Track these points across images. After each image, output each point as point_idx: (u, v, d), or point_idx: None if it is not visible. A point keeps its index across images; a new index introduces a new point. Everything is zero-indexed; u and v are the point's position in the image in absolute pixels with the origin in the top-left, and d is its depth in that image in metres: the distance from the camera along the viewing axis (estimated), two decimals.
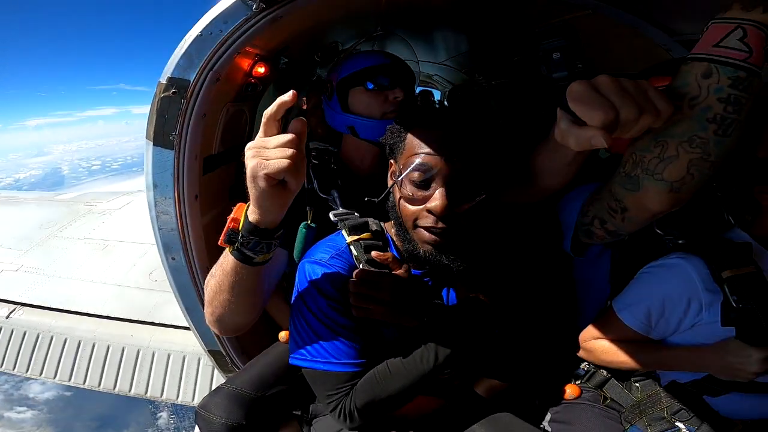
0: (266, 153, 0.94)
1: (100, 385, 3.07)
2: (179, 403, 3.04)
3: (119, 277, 3.84)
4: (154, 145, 1.29)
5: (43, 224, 5.00)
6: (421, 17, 2.59)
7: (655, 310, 1.30)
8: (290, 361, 1.29)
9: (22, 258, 4.23)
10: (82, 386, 3.11)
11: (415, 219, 1.16)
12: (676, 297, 1.28)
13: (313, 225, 1.47)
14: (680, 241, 1.37)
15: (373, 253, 1.23)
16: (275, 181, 0.95)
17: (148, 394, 3.03)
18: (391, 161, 1.26)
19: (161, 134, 1.28)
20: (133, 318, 3.32)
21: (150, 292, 3.61)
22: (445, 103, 5.70)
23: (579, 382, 1.57)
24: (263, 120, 0.94)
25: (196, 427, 2.33)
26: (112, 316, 3.35)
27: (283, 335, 1.78)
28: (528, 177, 1.32)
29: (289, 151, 0.93)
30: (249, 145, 0.96)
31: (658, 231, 1.39)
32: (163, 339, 3.15)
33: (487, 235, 1.34)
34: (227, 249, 1.14)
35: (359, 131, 1.64)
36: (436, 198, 1.10)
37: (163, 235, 1.45)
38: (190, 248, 1.49)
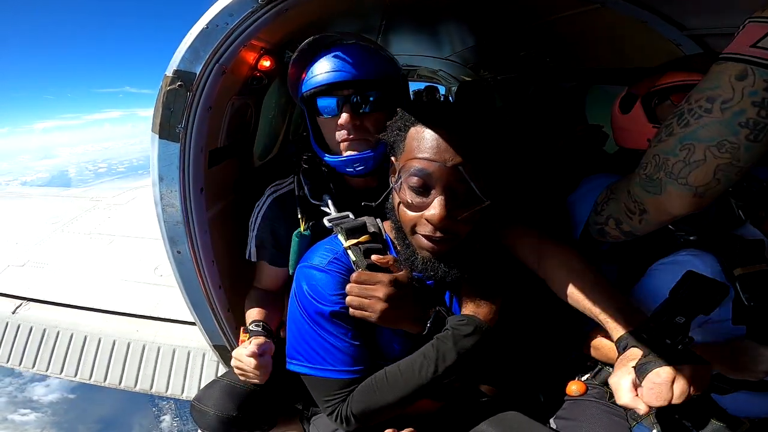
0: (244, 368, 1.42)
1: (105, 380, 3.07)
2: (184, 398, 3.04)
3: (125, 272, 3.86)
4: (160, 138, 1.28)
5: (49, 219, 5.04)
6: (426, 11, 2.57)
7: None
8: (287, 366, 1.29)
9: (28, 253, 4.26)
10: (87, 381, 3.12)
11: (414, 225, 1.11)
12: None
13: (306, 233, 1.45)
14: (691, 238, 1.35)
15: (373, 257, 1.21)
16: None
17: (153, 390, 3.05)
18: (392, 159, 1.21)
19: (167, 127, 1.28)
20: (138, 313, 3.34)
21: (155, 286, 3.64)
22: (450, 99, 5.68)
23: (585, 378, 1.56)
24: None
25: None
26: (118, 311, 3.37)
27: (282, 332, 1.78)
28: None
29: (260, 372, 1.40)
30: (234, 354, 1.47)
31: (670, 227, 1.37)
32: (168, 334, 3.17)
33: (490, 240, 1.31)
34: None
35: (336, 168, 1.49)
36: (435, 207, 1.05)
37: (168, 228, 1.44)
38: (195, 241, 1.49)
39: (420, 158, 1.06)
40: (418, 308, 1.21)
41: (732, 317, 1.22)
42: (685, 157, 0.94)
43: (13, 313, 3.37)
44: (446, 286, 1.28)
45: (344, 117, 1.35)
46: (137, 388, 3.07)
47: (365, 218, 1.33)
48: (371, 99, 1.34)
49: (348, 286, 1.17)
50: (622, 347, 1.01)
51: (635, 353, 0.96)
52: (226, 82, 1.35)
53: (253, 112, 1.84)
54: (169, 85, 1.23)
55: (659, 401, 0.89)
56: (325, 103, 1.37)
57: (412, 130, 1.10)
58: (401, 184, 1.10)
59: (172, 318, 3.27)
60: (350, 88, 1.33)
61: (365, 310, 1.16)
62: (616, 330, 1.05)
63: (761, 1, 0.88)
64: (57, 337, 3.22)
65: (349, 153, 1.40)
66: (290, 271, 1.50)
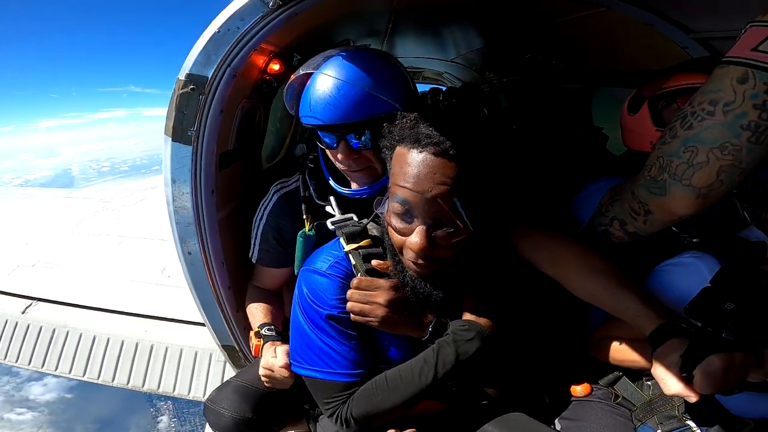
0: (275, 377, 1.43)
1: (113, 380, 3.12)
2: (191, 398, 3.08)
3: (133, 273, 3.91)
4: (172, 140, 1.32)
5: (59, 220, 5.11)
6: (431, 14, 2.59)
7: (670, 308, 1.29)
8: (291, 368, 1.33)
9: (38, 253, 4.32)
10: (96, 381, 3.17)
11: (400, 248, 1.10)
12: (690, 296, 1.27)
13: (311, 233, 1.47)
14: (695, 240, 1.36)
15: (373, 262, 1.22)
16: None
17: (161, 390, 3.09)
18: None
19: (180, 130, 1.31)
20: (146, 313, 3.38)
21: (164, 287, 3.68)
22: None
23: (590, 379, 1.57)
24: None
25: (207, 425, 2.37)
26: (127, 311, 3.41)
27: None
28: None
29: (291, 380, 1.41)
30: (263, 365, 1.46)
31: (674, 228, 1.37)
32: (175, 334, 3.21)
33: (492, 245, 1.29)
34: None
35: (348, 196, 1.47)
36: (416, 235, 1.02)
37: (180, 230, 1.47)
38: (206, 243, 1.51)
39: (401, 186, 1.01)
40: (419, 313, 1.22)
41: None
42: (688, 159, 0.96)
43: (23, 312, 3.41)
44: (438, 299, 1.26)
45: (341, 154, 1.34)
46: (145, 388, 3.11)
47: (367, 221, 1.33)
48: (367, 137, 1.31)
49: (349, 292, 1.19)
50: (660, 340, 1.01)
51: (676, 344, 0.97)
52: (237, 85, 1.37)
53: (262, 115, 1.86)
54: (182, 89, 1.26)
55: (714, 389, 0.92)
56: (325, 136, 1.35)
57: (398, 150, 1.05)
58: (387, 208, 1.08)
59: (180, 318, 3.30)
60: (344, 128, 1.30)
61: (366, 316, 1.18)
62: (650, 323, 1.05)
63: (766, 5, 0.89)
64: (66, 336, 3.27)
65: (356, 186, 1.42)
66: (296, 272, 1.51)
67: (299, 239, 1.48)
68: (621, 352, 1.40)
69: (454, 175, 0.97)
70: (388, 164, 1.11)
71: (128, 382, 3.11)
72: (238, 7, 1.21)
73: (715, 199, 0.98)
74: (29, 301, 3.53)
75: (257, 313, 1.67)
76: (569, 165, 2.00)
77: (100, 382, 3.17)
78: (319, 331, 1.23)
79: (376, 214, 1.21)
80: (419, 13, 2.55)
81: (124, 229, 4.82)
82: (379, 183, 1.39)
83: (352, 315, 1.19)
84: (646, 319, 1.06)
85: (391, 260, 1.20)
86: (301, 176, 1.57)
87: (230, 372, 2.90)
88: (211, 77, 1.26)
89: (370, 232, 1.30)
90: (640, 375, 1.48)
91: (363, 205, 1.40)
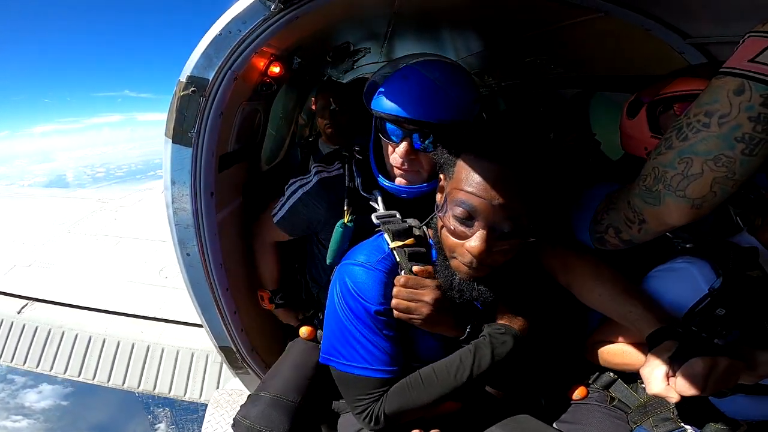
0: None
1: (109, 381, 3.11)
2: (186, 399, 3.07)
3: (130, 274, 3.90)
4: (173, 142, 1.32)
5: (56, 220, 5.09)
6: (431, 18, 2.60)
7: None
8: (320, 360, 1.32)
9: (35, 253, 4.31)
10: (91, 382, 3.15)
11: (454, 251, 1.14)
12: (684, 300, 1.28)
13: (350, 224, 1.47)
14: (688, 245, 1.37)
15: (414, 268, 1.23)
16: None
17: (156, 391, 3.09)
18: (441, 176, 1.21)
19: (180, 132, 1.31)
20: (143, 314, 3.37)
21: (161, 288, 3.68)
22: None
23: (586, 383, 1.58)
24: None
25: (205, 423, 2.35)
26: (123, 312, 3.40)
27: (303, 331, 1.79)
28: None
29: None
30: None
31: (668, 234, 1.39)
32: (172, 336, 3.21)
33: (520, 264, 1.32)
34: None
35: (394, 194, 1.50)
36: (476, 239, 1.06)
37: (179, 231, 1.47)
38: (205, 244, 1.51)
39: (467, 191, 1.06)
40: (459, 314, 1.25)
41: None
42: (683, 171, 0.96)
43: (19, 312, 3.40)
44: (485, 302, 1.30)
45: (402, 148, 1.35)
46: (140, 389, 3.11)
47: (411, 221, 1.35)
48: (431, 140, 1.33)
49: (395, 290, 1.21)
50: (655, 342, 1.05)
51: (669, 346, 1.00)
52: (238, 87, 1.38)
53: (262, 117, 1.87)
54: (183, 91, 1.26)
55: (692, 391, 0.93)
56: (391, 128, 1.37)
57: (464, 157, 1.09)
58: (446, 210, 1.12)
59: (176, 320, 3.30)
60: (415, 125, 1.32)
61: (411, 314, 1.20)
62: (649, 326, 1.10)
63: (764, 12, 0.90)
64: (62, 337, 3.25)
65: (399, 182, 1.43)
66: (328, 261, 1.54)
67: (338, 229, 1.48)
68: (614, 355, 1.42)
69: (519, 186, 1.03)
70: (449, 169, 1.14)
71: (124, 383, 3.10)
72: (239, 10, 1.22)
73: (708, 210, 0.99)
74: (25, 301, 3.52)
75: (268, 276, 1.93)
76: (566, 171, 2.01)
77: (95, 382, 3.16)
78: (363, 326, 1.24)
79: (419, 211, 1.33)
80: (419, 17, 2.56)
81: (121, 230, 4.80)
82: (422, 186, 1.42)
83: (395, 312, 1.21)
84: (645, 323, 1.11)
85: (439, 262, 1.24)
86: (348, 166, 1.56)
87: (227, 374, 2.90)
88: (212, 80, 1.27)
89: (413, 232, 1.32)
90: (634, 378, 1.50)
91: (405, 204, 1.43)
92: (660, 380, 0.98)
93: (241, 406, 1.53)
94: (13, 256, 4.23)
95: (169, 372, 3.08)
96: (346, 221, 1.47)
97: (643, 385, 1.45)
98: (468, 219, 1.07)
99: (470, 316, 1.26)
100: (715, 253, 1.25)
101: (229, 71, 1.28)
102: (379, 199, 1.48)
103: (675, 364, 0.97)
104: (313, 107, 2.61)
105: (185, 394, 3.01)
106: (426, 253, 1.29)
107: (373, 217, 1.38)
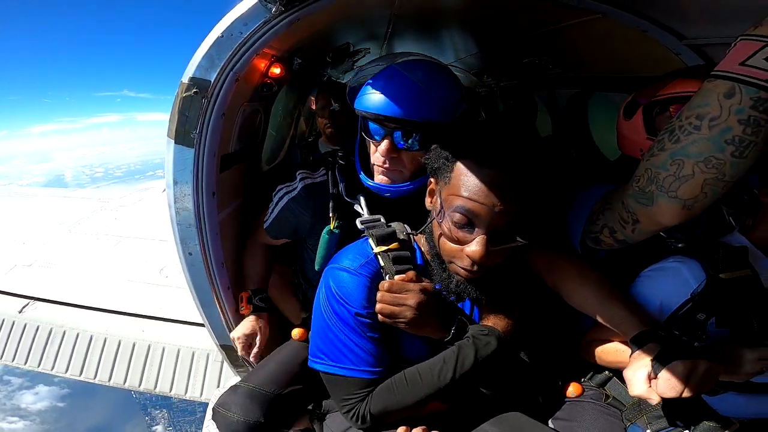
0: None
1: (110, 380, 3.12)
2: (187, 398, 3.09)
3: (131, 273, 3.91)
4: (175, 143, 1.34)
5: (56, 220, 5.11)
6: (431, 19, 2.62)
7: (654, 312, 1.32)
8: (309, 364, 1.33)
9: (36, 253, 4.31)
10: (92, 381, 3.15)
11: (453, 256, 1.16)
12: (674, 299, 1.30)
13: (336, 231, 1.49)
14: (680, 245, 1.40)
15: (397, 278, 1.25)
16: None
17: (158, 390, 3.10)
18: (432, 180, 1.23)
19: (182, 132, 1.33)
20: (144, 313, 3.39)
21: (161, 287, 3.69)
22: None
23: (582, 380, 1.60)
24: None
25: (207, 421, 2.37)
26: (124, 311, 3.42)
27: (295, 333, 1.81)
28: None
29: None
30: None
31: (662, 234, 1.41)
32: (173, 335, 3.22)
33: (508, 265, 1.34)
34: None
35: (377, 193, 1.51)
36: (477, 244, 1.09)
37: (181, 231, 1.50)
38: (206, 244, 1.54)
39: (467, 198, 1.07)
40: (442, 316, 1.27)
41: (716, 320, 1.26)
42: (675, 172, 0.99)
43: (20, 312, 3.41)
44: (477, 302, 1.34)
45: (383, 146, 1.37)
46: (141, 388, 3.12)
47: (395, 225, 1.37)
48: (413, 138, 1.35)
49: (379, 294, 1.23)
50: (638, 344, 1.08)
51: (652, 348, 1.03)
52: (239, 89, 1.40)
53: (263, 117, 1.89)
54: (185, 92, 1.28)
55: (672, 393, 0.96)
56: (373, 127, 1.38)
57: (461, 165, 1.11)
58: (444, 217, 1.14)
59: (177, 319, 3.31)
60: (396, 123, 1.34)
61: (395, 317, 1.22)
62: (632, 328, 1.12)
63: (758, 14, 0.91)
64: (63, 336, 3.26)
65: (379, 180, 1.44)
66: (316, 267, 1.55)
67: (324, 236, 1.49)
68: (608, 354, 1.44)
69: (518, 191, 1.05)
70: (444, 175, 1.15)
71: (125, 383, 3.11)
72: (241, 13, 1.24)
73: (700, 210, 1.01)
74: (26, 301, 3.52)
75: (253, 275, 1.87)
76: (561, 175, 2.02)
77: (96, 381, 3.15)
78: (346, 328, 1.26)
79: (404, 214, 1.37)
80: (419, 18, 2.58)
81: (122, 230, 4.82)
82: (405, 185, 1.43)
83: (380, 316, 1.23)
84: (629, 325, 1.13)
85: (434, 266, 1.27)
86: (330, 172, 1.57)
87: (227, 372, 2.92)
88: (214, 81, 1.29)
89: (398, 236, 1.33)
90: None
91: (390, 207, 1.44)
92: (642, 382, 1.01)
93: (220, 396, 1.57)
94: (14, 255, 4.24)
95: (170, 371, 3.09)
96: (332, 227, 1.49)
97: None
98: (468, 225, 1.10)
99: (455, 318, 1.28)
100: (706, 253, 1.27)
101: (231, 73, 1.30)
102: (363, 203, 1.49)
103: (656, 366, 1.00)
104: (313, 107, 2.63)
105: (186, 392, 3.02)
106: (410, 257, 1.31)
107: (357, 222, 1.40)
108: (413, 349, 1.32)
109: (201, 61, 1.27)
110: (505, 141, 1.09)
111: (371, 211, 1.46)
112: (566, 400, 1.57)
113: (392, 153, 1.37)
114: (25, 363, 3.25)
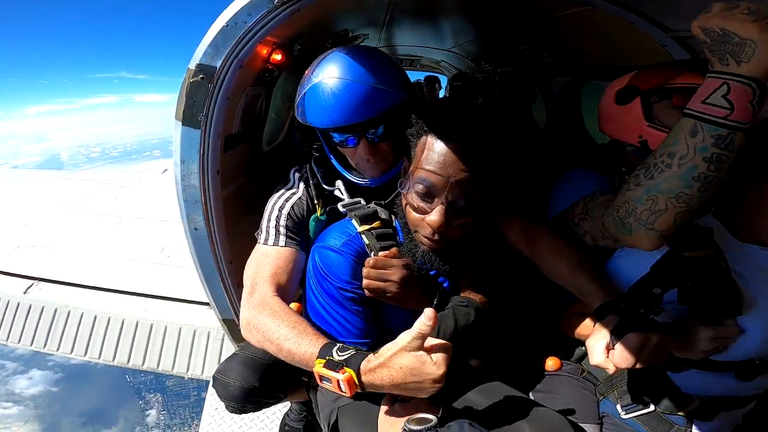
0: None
1: (114, 359, 3.18)
2: (189, 376, 3.15)
3: (132, 253, 3.96)
4: (183, 124, 1.41)
5: (57, 201, 5.13)
6: (429, 5, 2.66)
7: (627, 283, 1.37)
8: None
9: (38, 234, 4.35)
10: (96, 360, 3.21)
11: (417, 225, 1.25)
12: (637, 277, 1.34)
13: (323, 217, 1.55)
14: None
15: (380, 254, 1.34)
16: None
17: (160, 368, 3.16)
18: (405, 158, 1.31)
19: (189, 115, 1.40)
20: (146, 293, 3.44)
21: (162, 266, 3.75)
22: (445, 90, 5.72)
23: (561, 355, 1.66)
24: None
25: (209, 390, 2.47)
26: (126, 290, 3.47)
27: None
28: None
29: None
30: None
31: None
32: (174, 313, 3.28)
33: (485, 228, 1.43)
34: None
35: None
36: (436, 213, 1.16)
37: (187, 207, 1.57)
38: (211, 219, 1.61)
39: (427, 170, 1.15)
40: (425, 289, 1.37)
41: (677, 298, 1.30)
42: (650, 207, 1.06)
43: (25, 292, 3.47)
44: (446, 273, 1.41)
45: (362, 148, 1.42)
46: (145, 366, 3.19)
47: (375, 205, 1.45)
48: (382, 131, 1.41)
49: (365, 271, 1.31)
50: (600, 315, 1.15)
51: (612, 320, 1.10)
52: (243, 74, 1.46)
53: (264, 101, 1.95)
54: (192, 78, 1.35)
55: (626, 363, 1.03)
56: (342, 137, 1.43)
57: (424, 139, 1.19)
58: (409, 188, 1.22)
59: (178, 297, 3.37)
60: (361, 126, 1.38)
61: (381, 292, 1.31)
62: (596, 300, 1.19)
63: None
64: (67, 316, 3.32)
65: (371, 174, 1.49)
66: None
67: (312, 223, 1.56)
68: (584, 327, 1.48)
69: (473, 163, 1.13)
70: (412, 150, 1.23)
71: (129, 361, 3.18)
72: (245, 3, 1.30)
73: (672, 234, 1.10)
74: (30, 281, 3.58)
75: (300, 337, 1.24)
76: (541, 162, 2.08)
77: (101, 361, 3.24)
78: (334, 303, 1.34)
79: (381, 195, 1.44)
80: (417, 4, 2.62)
81: (122, 210, 4.88)
82: (392, 171, 1.49)
83: (367, 291, 1.32)
84: (594, 296, 1.20)
85: (404, 237, 1.34)
86: (308, 165, 1.64)
87: (228, 350, 2.98)
88: (219, 67, 1.35)
89: (379, 215, 1.42)
90: None
91: (368, 190, 1.51)
92: (600, 352, 1.07)
93: (219, 365, 1.65)
94: (16, 236, 4.28)
95: (172, 349, 3.15)
96: (318, 215, 1.55)
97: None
98: (428, 195, 1.18)
99: (436, 291, 1.37)
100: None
101: (236, 59, 1.36)
102: (342, 189, 1.55)
103: (613, 338, 1.06)
104: None
105: (188, 371, 3.09)
106: (393, 234, 1.40)
107: (339, 206, 1.49)
108: (398, 321, 1.38)
109: (207, 49, 1.34)
110: (460, 117, 1.17)
111: (351, 195, 1.54)
112: (545, 373, 1.64)
113: (372, 148, 1.43)
114: (31, 344, 3.31)
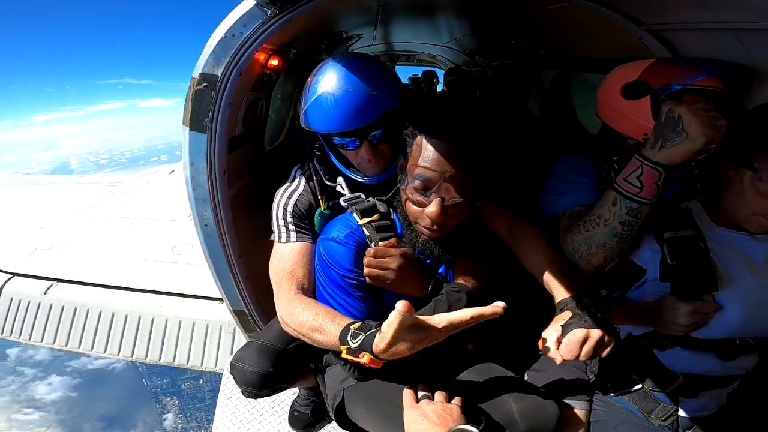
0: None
1: (132, 355, 3.30)
2: (203, 369, 3.24)
3: (145, 252, 4.06)
4: (190, 130, 1.52)
5: (70, 205, 5.25)
6: (418, 1, 2.74)
7: None
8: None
9: (54, 237, 4.46)
10: (116, 357, 3.35)
11: (416, 218, 1.34)
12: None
13: (326, 212, 1.65)
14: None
15: (380, 243, 1.45)
16: None
17: (176, 362, 3.26)
18: (401, 156, 1.39)
19: (196, 120, 1.51)
20: (160, 290, 3.54)
21: (175, 264, 3.85)
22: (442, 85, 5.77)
23: None
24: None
25: (224, 379, 2.58)
26: (142, 288, 3.57)
27: None
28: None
29: None
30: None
31: None
32: (188, 309, 3.38)
33: (477, 220, 1.54)
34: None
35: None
36: (433, 207, 1.25)
37: (198, 205, 1.68)
38: (220, 216, 1.73)
39: (423, 167, 1.25)
40: (421, 276, 1.47)
41: (659, 275, 1.39)
42: (587, 250, 1.37)
43: (45, 293, 3.58)
44: (440, 261, 1.53)
45: (365, 150, 1.49)
46: (161, 362, 3.30)
47: (374, 200, 1.56)
48: (381, 133, 1.48)
49: (366, 260, 1.43)
50: (559, 309, 1.27)
51: (566, 315, 1.21)
52: (243, 80, 1.56)
53: (264, 104, 2.06)
54: (196, 86, 1.46)
55: (569, 356, 1.13)
56: (343, 141, 1.50)
57: (419, 139, 1.27)
58: (407, 184, 1.31)
59: (191, 293, 3.48)
60: (363, 130, 1.45)
61: (381, 279, 1.42)
62: (558, 294, 1.31)
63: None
64: (87, 315, 3.44)
65: (373, 174, 1.57)
66: None
67: (317, 218, 1.65)
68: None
69: (466, 159, 1.23)
70: (408, 149, 1.32)
71: (146, 357, 3.28)
72: (240, 15, 1.40)
73: (606, 268, 1.41)
74: (50, 282, 3.68)
75: (323, 320, 1.37)
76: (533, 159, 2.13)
77: (120, 357, 3.36)
78: (338, 289, 1.46)
79: (380, 190, 1.55)
80: (406, 1, 2.70)
81: (133, 211, 5.00)
82: (390, 170, 1.57)
83: (368, 279, 1.43)
84: (558, 291, 1.31)
85: (404, 229, 1.46)
86: (310, 163, 1.72)
87: (239, 343, 3.03)
88: (221, 76, 1.45)
89: (378, 209, 1.54)
90: None
91: (368, 186, 1.61)
92: (552, 344, 1.17)
93: (235, 353, 1.77)
94: (33, 240, 4.39)
95: (186, 344, 3.25)
96: (322, 209, 1.64)
97: None
98: (425, 190, 1.27)
99: (432, 278, 1.47)
100: (654, 213, 1.36)
101: (235, 68, 1.46)
102: (344, 184, 1.64)
103: (563, 331, 1.15)
104: None
105: (202, 364, 3.19)
106: (391, 225, 1.52)
107: (341, 201, 1.59)
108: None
109: (208, 59, 1.44)
110: (450, 118, 1.26)
111: (351, 190, 1.63)
112: (539, 353, 1.76)
113: (374, 150, 1.51)
114: (54, 342, 3.42)
